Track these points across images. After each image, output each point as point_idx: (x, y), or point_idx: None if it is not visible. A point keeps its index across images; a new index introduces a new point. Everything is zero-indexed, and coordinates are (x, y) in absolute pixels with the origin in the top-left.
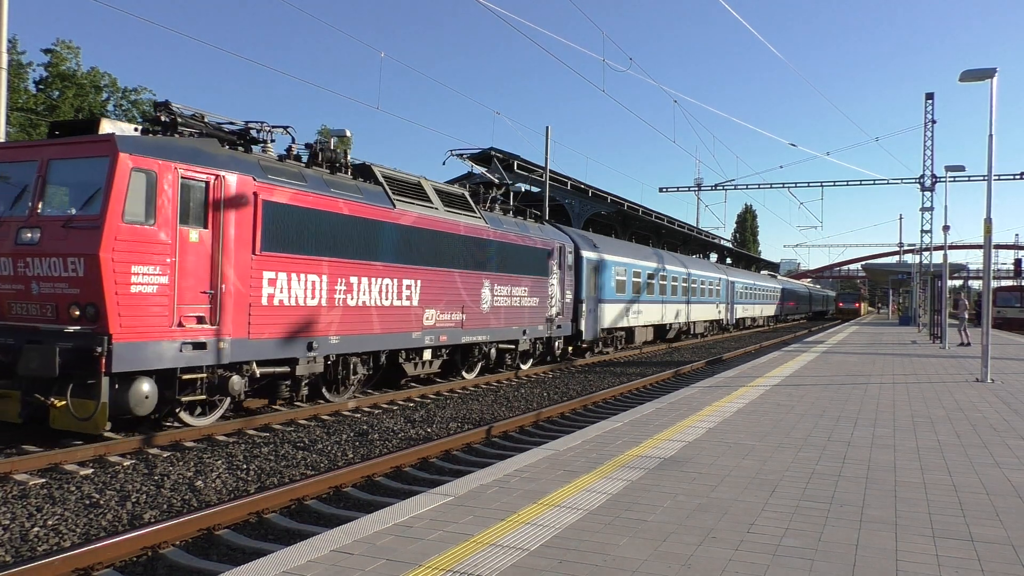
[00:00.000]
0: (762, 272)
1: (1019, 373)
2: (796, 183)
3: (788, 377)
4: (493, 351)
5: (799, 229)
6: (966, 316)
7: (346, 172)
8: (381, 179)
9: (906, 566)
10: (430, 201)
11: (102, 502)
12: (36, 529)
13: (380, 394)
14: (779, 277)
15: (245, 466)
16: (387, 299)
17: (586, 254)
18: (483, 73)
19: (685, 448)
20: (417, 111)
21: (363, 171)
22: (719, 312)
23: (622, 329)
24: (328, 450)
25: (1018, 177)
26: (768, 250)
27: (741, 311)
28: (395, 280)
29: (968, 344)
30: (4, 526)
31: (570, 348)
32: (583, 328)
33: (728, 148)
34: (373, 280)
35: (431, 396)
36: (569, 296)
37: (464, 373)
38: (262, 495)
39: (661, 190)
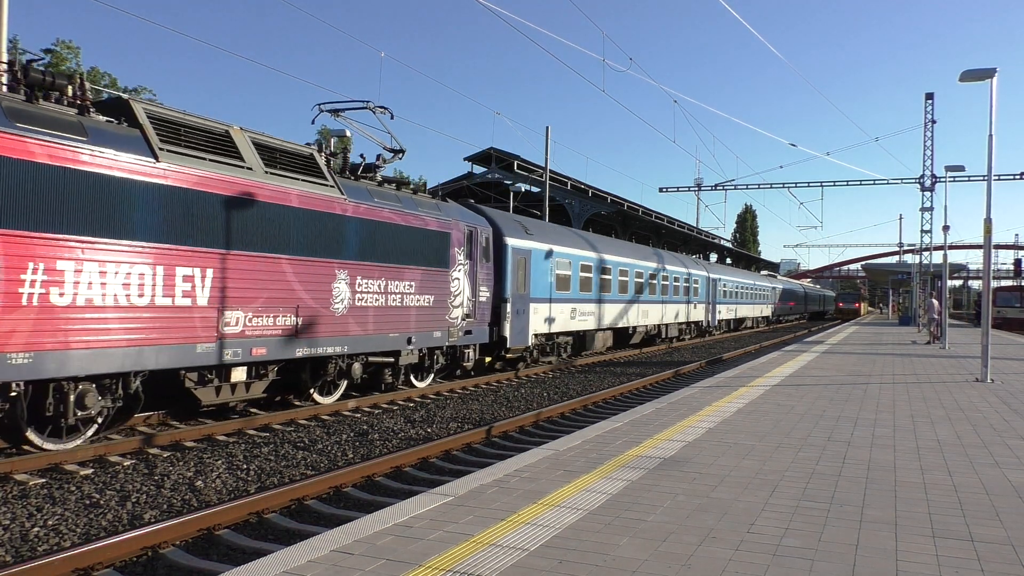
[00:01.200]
0: (763, 272)
1: (1019, 373)
2: (796, 183)
3: (788, 377)
4: (358, 366)
5: (799, 229)
6: (935, 317)
7: (83, 107)
8: (143, 119)
9: (906, 566)
10: (239, 158)
11: (102, 502)
12: (36, 529)
13: (380, 394)
14: (774, 276)
15: (245, 466)
16: (143, 295)
17: (512, 242)
18: (483, 73)
19: (685, 448)
20: (417, 111)
21: (116, 108)
22: (697, 313)
23: (567, 334)
24: (328, 450)
25: (1018, 177)
26: (768, 250)
27: (725, 311)
28: (157, 267)
29: (933, 342)
30: (4, 526)
31: (488, 359)
32: (507, 333)
33: (728, 148)
34: (111, 267)
35: (431, 396)
36: (486, 294)
37: (318, 396)
38: (262, 495)
39: (661, 190)
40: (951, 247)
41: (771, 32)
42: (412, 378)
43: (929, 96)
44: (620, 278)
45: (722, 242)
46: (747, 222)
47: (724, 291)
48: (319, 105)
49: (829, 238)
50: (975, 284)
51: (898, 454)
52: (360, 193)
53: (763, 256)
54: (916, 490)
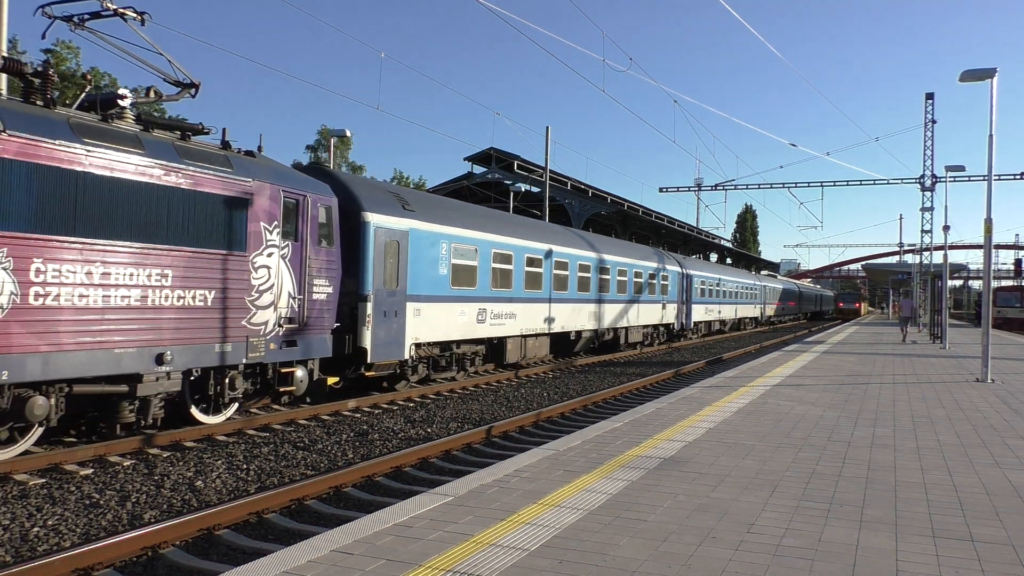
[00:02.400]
0: (763, 272)
1: (1019, 373)
2: (796, 183)
3: (788, 377)
4: (42, 402)
5: (799, 229)
6: (910, 316)
7: None
8: None
9: (906, 566)
10: None
11: (102, 502)
12: (36, 529)
13: (380, 394)
14: (774, 276)
15: (245, 466)
16: None
17: (377, 219)
18: (483, 73)
19: (685, 448)
20: (417, 111)
21: None
22: (667, 313)
23: (474, 342)
24: (328, 450)
25: (1018, 177)
26: (768, 250)
27: (704, 312)
28: None
29: (904, 340)
30: (4, 526)
31: (335, 380)
32: (368, 343)
33: (728, 148)
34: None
35: (431, 396)
36: (326, 289)
37: None
38: (262, 495)
39: (661, 190)
40: (951, 247)
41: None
42: (194, 411)
43: (929, 96)
44: (557, 271)
45: (722, 242)
46: (747, 222)
47: (703, 289)
48: (42, 8)
49: (829, 238)
50: (975, 284)
51: (898, 454)
52: (39, 126)
53: (763, 256)
54: (916, 490)
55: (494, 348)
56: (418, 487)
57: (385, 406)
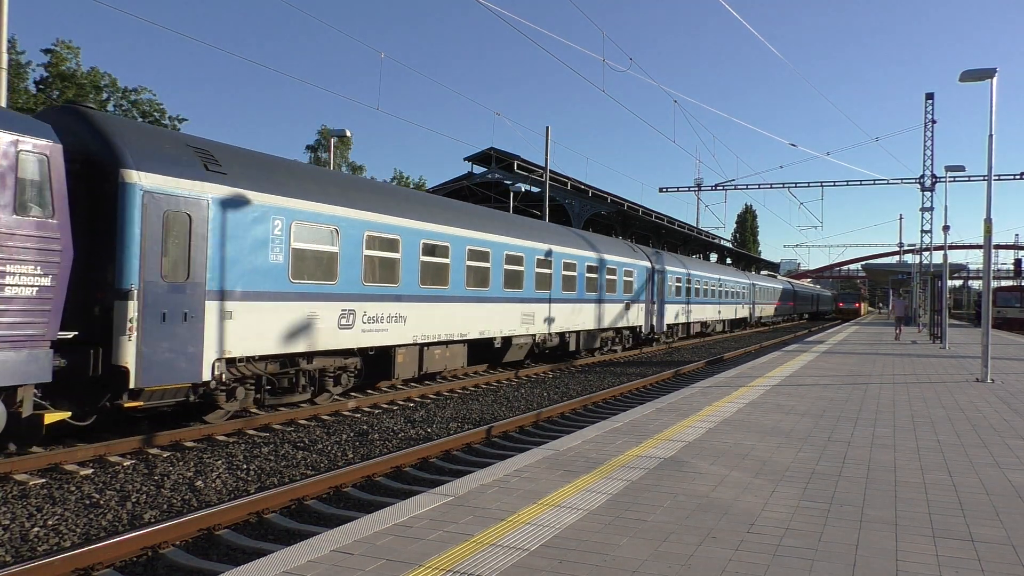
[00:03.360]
0: (763, 272)
1: (1019, 373)
2: (796, 183)
3: (788, 377)
4: None
5: (799, 229)
6: (903, 316)
7: None
8: None
9: (906, 566)
10: None
11: (102, 502)
12: (36, 529)
13: (380, 394)
14: (773, 275)
15: (245, 466)
16: None
17: (150, 180)
18: (483, 73)
19: (685, 448)
20: (417, 111)
21: None
22: (634, 315)
23: (341, 353)
24: (328, 450)
25: (1018, 177)
26: (768, 250)
27: (680, 313)
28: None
29: (898, 339)
30: (4, 526)
31: (57, 418)
32: (132, 362)
33: (728, 148)
34: None
35: (431, 396)
36: (33, 281)
37: None
38: (262, 495)
39: (661, 190)
40: (951, 247)
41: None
42: None
43: (929, 96)
44: (473, 263)
45: (722, 242)
46: (747, 222)
47: (679, 287)
48: None
49: (829, 238)
50: (975, 284)
51: (898, 454)
52: None
53: (763, 256)
54: (916, 490)
55: (375, 361)
56: (418, 487)
57: (385, 406)
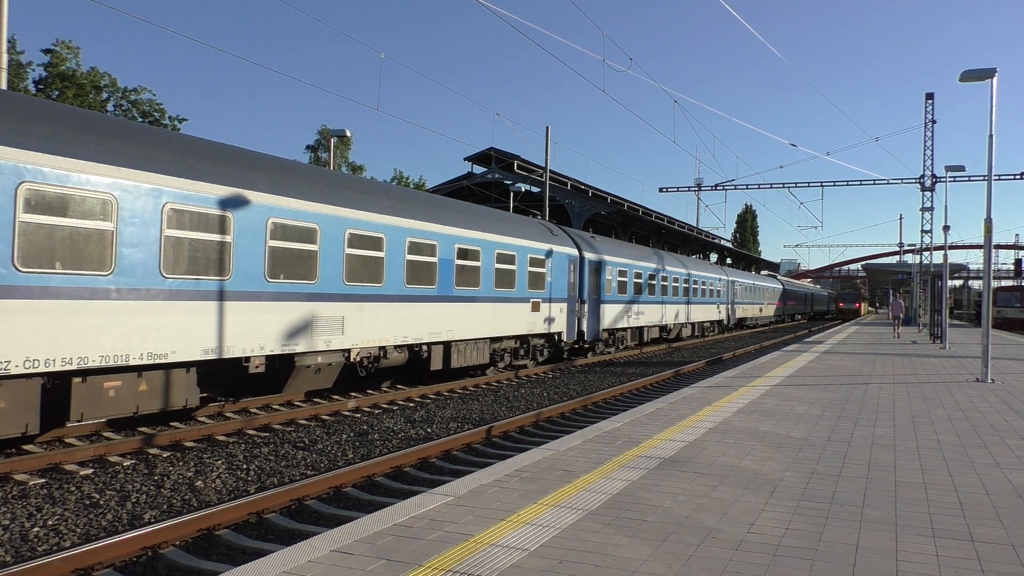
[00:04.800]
0: (763, 272)
1: (1019, 373)
2: (796, 183)
3: (788, 377)
4: None
5: (799, 229)
6: (901, 316)
7: None
8: None
9: (906, 566)
10: None
11: (102, 502)
12: (36, 529)
13: (380, 394)
14: (764, 273)
15: (245, 466)
16: None
17: None
18: (483, 73)
19: (685, 448)
20: (417, 112)
21: None
22: (550, 318)
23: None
24: (328, 450)
25: (1018, 177)
26: (768, 250)
27: (626, 316)
28: None
29: (897, 338)
30: (4, 526)
31: None
32: None
33: (728, 148)
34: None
35: (431, 396)
36: None
37: None
38: (262, 495)
39: (661, 190)
40: (951, 247)
41: (771, 32)
42: None
43: (929, 96)
44: (277, 244)
45: (722, 242)
46: (747, 222)
47: (624, 283)
48: None
49: (829, 238)
50: (975, 284)
51: (898, 454)
52: None
53: (764, 256)
54: (916, 490)
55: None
56: (418, 487)
57: (385, 406)
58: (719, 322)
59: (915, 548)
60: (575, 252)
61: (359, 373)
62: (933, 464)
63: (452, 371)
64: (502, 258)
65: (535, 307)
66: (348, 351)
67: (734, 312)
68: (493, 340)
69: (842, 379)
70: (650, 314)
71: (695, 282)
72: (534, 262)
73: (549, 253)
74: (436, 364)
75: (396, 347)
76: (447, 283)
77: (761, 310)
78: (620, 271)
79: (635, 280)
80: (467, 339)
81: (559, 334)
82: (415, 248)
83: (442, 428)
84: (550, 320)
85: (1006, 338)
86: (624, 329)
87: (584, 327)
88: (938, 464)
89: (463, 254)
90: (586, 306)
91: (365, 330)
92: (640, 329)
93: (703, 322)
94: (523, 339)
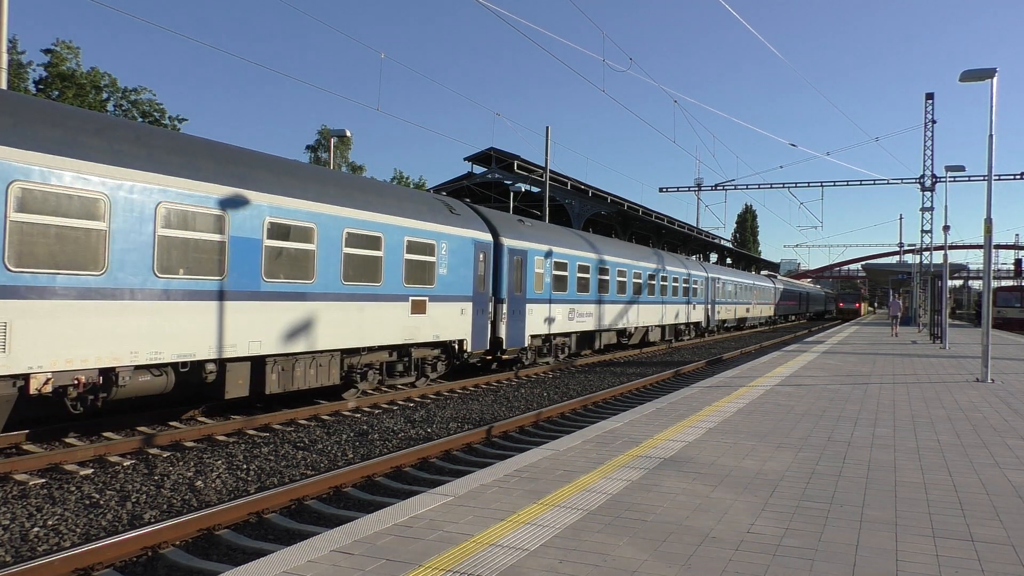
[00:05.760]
0: (763, 272)
1: (1019, 373)
2: (796, 183)
3: (788, 377)
4: None
5: (799, 229)
6: (899, 315)
7: None
8: None
9: (906, 566)
10: None
11: (102, 502)
12: (36, 529)
13: (380, 394)
14: (770, 274)
15: (245, 466)
16: None
17: None
18: (483, 73)
19: (685, 448)
20: (417, 111)
21: None
22: (441, 323)
23: None
24: (328, 450)
25: (1018, 177)
26: (768, 250)
27: (557, 318)
28: None
29: (896, 336)
30: (4, 526)
31: None
32: None
33: (728, 148)
34: None
35: (431, 396)
36: None
37: None
38: (262, 495)
39: (661, 190)
40: (951, 247)
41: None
42: None
43: (929, 96)
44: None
45: (722, 242)
46: (747, 222)
47: (562, 276)
48: None
49: (829, 238)
50: (975, 284)
51: (898, 454)
52: None
53: (763, 256)
54: (916, 490)
55: None
56: (418, 487)
57: (385, 406)
58: (696, 324)
59: (915, 548)
60: (487, 237)
61: (70, 410)
62: (933, 464)
63: (288, 399)
64: (358, 240)
65: (418, 308)
66: (23, 377)
67: (715, 312)
68: (348, 353)
69: (842, 379)
70: (602, 316)
71: (664, 278)
72: (415, 247)
73: (442, 237)
74: (236, 390)
75: (143, 367)
76: (248, 273)
77: (748, 310)
78: (557, 263)
79: (580, 275)
80: (294, 352)
81: (460, 342)
82: (183, 220)
83: (442, 428)
84: (442, 325)
85: (1006, 338)
86: (565, 335)
87: (503, 333)
88: (938, 464)
89: (280, 232)
90: (504, 306)
91: (62, 343)
92: (589, 334)
93: (677, 324)
94: (399, 349)
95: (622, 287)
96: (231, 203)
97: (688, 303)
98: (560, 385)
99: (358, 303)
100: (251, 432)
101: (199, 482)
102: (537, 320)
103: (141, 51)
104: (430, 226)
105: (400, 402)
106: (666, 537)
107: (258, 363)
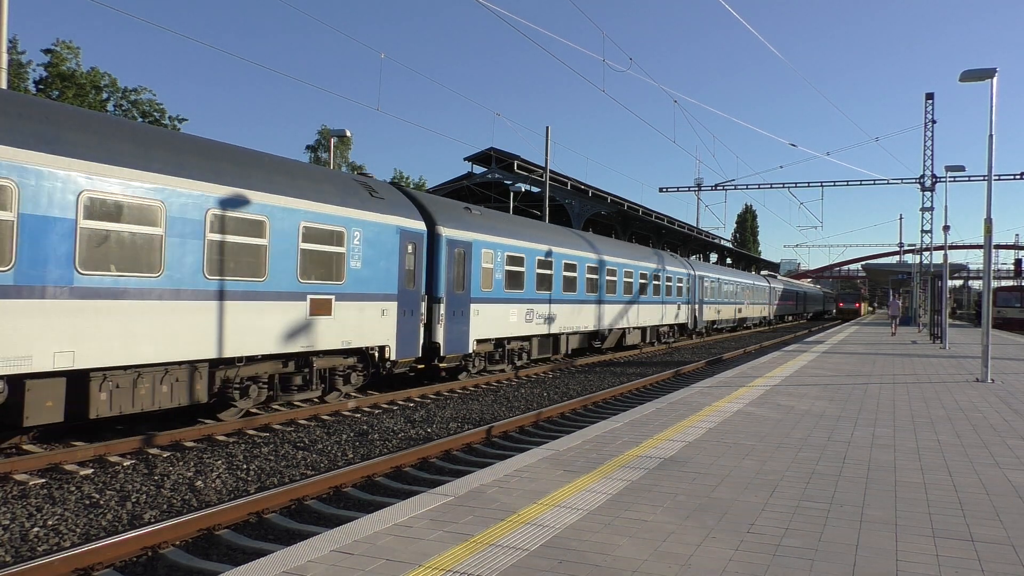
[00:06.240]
0: (763, 272)
1: (1019, 373)
2: (796, 183)
3: (788, 377)
4: None
5: (799, 229)
6: (898, 315)
7: None
8: None
9: (906, 566)
10: None
11: (102, 502)
12: (36, 529)
13: (380, 394)
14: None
15: (245, 466)
16: None
17: None
18: (483, 73)
19: (685, 448)
20: (417, 111)
21: None
22: (350, 327)
23: None
24: (328, 450)
25: (1018, 177)
26: (768, 250)
27: (532, 320)
28: None
29: (894, 335)
30: (4, 526)
31: None
32: None
33: (728, 148)
34: None
35: (431, 396)
36: None
37: None
38: (262, 495)
39: (661, 190)
40: (951, 247)
41: (771, 32)
42: None
43: (929, 96)
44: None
45: (722, 242)
46: (747, 222)
47: (513, 272)
48: None
49: (829, 238)
50: (975, 284)
51: (898, 454)
52: None
53: (763, 256)
54: (916, 490)
55: None
56: (418, 487)
57: (385, 406)
58: (681, 325)
59: (915, 548)
60: (418, 226)
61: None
62: (933, 464)
63: (116, 423)
64: (231, 225)
65: (320, 308)
66: None
67: (701, 313)
68: (219, 364)
69: (842, 379)
70: (568, 317)
71: (644, 276)
72: (316, 236)
73: (355, 223)
74: (43, 415)
75: None
76: (52, 262)
77: (740, 311)
78: (512, 257)
79: (540, 271)
80: (136, 365)
81: (381, 349)
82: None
83: (442, 428)
84: (355, 328)
85: (1006, 338)
86: (522, 339)
87: (440, 337)
88: (938, 464)
89: (108, 211)
90: (442, 307)
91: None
92: (554, 337)
93: (659, 326)
94: (302, 360)
95: (593, 285)
96: (23, 171)
97: (672, 303)
98: (560, 385)
99: (233, 303)
100: (251, 432)
101: (199, 482)
102: (485, 322)
103: (141, 51)
104: (338, 210)
105: (400, 402)
106: (666, 537)
107: (79, 379)
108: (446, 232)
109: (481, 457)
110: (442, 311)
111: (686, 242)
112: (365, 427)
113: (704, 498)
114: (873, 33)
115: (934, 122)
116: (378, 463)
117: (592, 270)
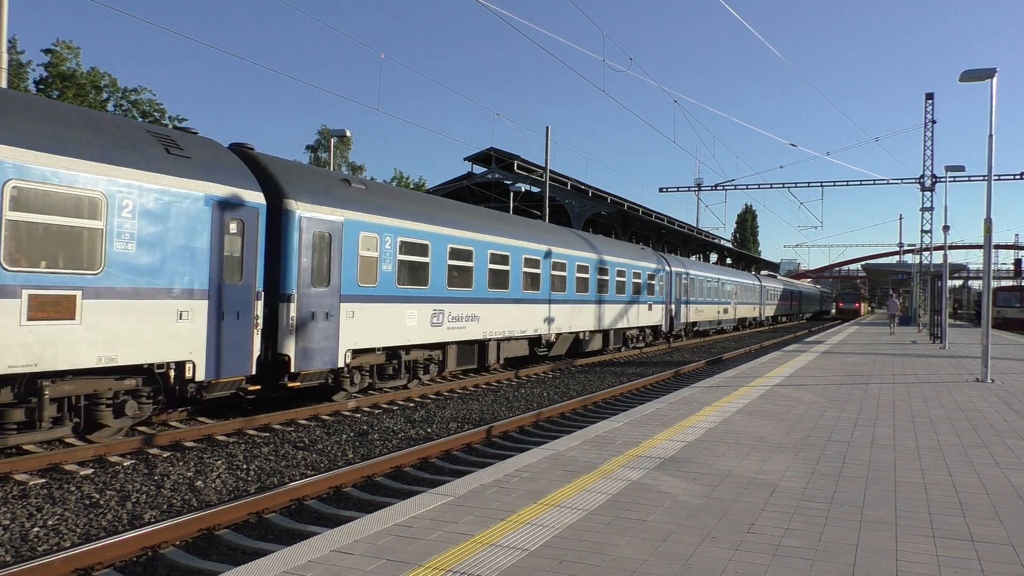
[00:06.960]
0: (763, 272)
1: (1019, 373)
2: (796, 183)
3: (788, 377)
4: None
5: (799, 229)
6: (896, 314)
7: None
8: None
9: (906, 566)
10: None
11: (102, 502)
12: (36, 529)
13: (380, 394)
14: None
15: (245, 466)
16: None
17: None
18: (483, 73)
19: (685, 448)
20: (417, 111)
21: None
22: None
23: None
24: (328, 450)
25: (1018, 177)
26: (768, 250)
27: (460, 324)
28: None
29: (892, 334)
30: (4, 526)
31: None
32: None
33: (728, 148)
34: None
35: (431, 396)
36: None
37: None
38: (262, 495)
39: (661, 190)
40: (951, 247)
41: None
42: None
43: (929, 96)
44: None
45: (722, 242)
46: (747, 222)
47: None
48: None
49: (829, 238)
50: (975, 284)
51: (898, 454)
52: None
53: (764, 256)
54: (916, 490)
55: None
56: (418, 487)
57: (385, 406)
58: (654, 328)
59: (915, 548)
60: (252, 197)
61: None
62: (933, 464)
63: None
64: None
65: (50, 309)
66: None
67: (679, 314)
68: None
69: (842, 379)
70: (495, 319)
71: (603, 271)
72: (43, 203)
73: (122, 187)
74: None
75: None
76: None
77: (726, 311)
78: (409, 244)
79: (455, 262)
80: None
81: (178, 367)
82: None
83: (442, 428)
84: (125, 338)
85: (1006, 338)
86: (430, 347)
87: (289, 348)
88: (938, 464)
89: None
90: (292, 307)
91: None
92: (476, 344)
93: (626, 329)
94: (21, 383)
95: (533, 281)
96: None
97: (643, 302)
98: (560, 385)
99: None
100: (251, 432)
101: (199, 482)
102: (365, 327)
103: (141, 51)
104: (86, 166)
105: (400, 402)
106: (666, 537)
107: None
108: (301, 208)
109: (481, 457)
110: (292, 313)
111: (686, 242)
112: (365, 427)
113: (704, 498)
114: (873, 33)
115: (934, 122)
116: (378, 463)
117: (532, 263)
